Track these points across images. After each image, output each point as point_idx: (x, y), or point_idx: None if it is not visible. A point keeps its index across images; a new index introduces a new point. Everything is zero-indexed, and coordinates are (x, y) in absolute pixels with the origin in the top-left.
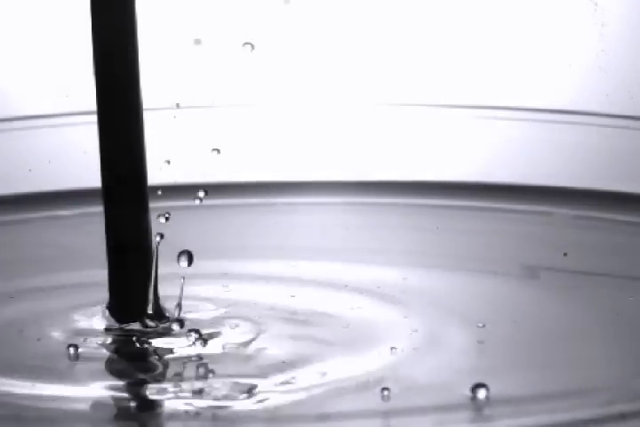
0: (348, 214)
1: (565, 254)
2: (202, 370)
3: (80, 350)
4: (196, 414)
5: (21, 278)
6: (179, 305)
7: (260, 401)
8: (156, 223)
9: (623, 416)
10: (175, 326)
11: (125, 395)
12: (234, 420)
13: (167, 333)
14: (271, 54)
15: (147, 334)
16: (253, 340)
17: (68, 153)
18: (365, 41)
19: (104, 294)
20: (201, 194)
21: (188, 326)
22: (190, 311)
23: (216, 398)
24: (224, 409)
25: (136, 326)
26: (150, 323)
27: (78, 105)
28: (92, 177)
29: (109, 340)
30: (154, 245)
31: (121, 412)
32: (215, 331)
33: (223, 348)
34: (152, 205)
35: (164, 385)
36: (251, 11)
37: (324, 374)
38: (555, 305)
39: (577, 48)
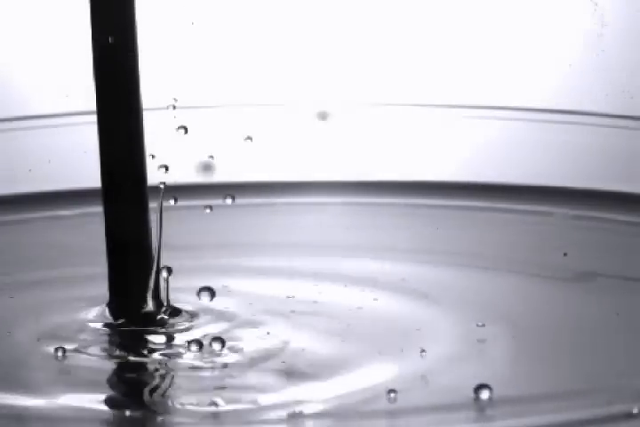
0: (348, 214)
1: (565, 254)
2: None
3: (80, 349)
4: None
5: (21, 278)
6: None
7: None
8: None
9: (630, 415)
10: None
11: (125, 395)
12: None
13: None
14: (271, 54)
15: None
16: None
17: (68, 153)
18: (365, 41)
19: (104, 294)
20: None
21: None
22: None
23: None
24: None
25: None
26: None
27: (78, 105)
28: (91, 177)
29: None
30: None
31: (121, 412)
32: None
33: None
34: (152, 205)
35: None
36: (251, 11)
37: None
38: (554, 305)
39: (577, 48)
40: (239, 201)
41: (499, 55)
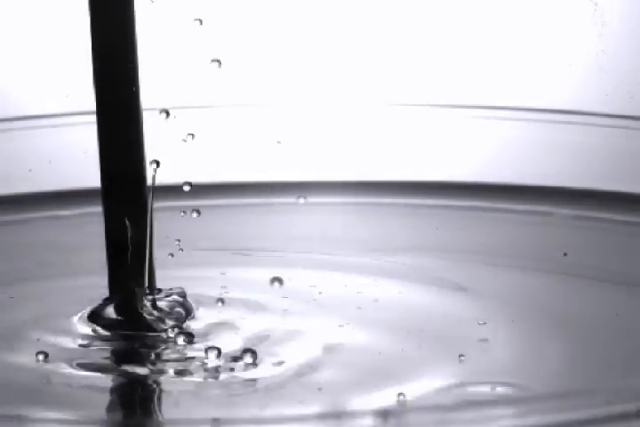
0: (348, 214)
1: (565, 254)
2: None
3: (80, 349)
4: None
5: (21, 278)
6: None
7: None
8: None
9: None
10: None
11: (126, 395)
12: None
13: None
14: (271, 54)
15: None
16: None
17: (68, 153)
18: (365, 41)
19: (104, 294)
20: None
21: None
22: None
23: None
24: None
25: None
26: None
27: (78, 105)
28: (91, 177)
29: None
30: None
31: (123, 412)
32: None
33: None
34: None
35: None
36: (250, 10)
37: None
38: (554, 305)
39: (577, 48)
40: (239, 201)
41: (499, 55)
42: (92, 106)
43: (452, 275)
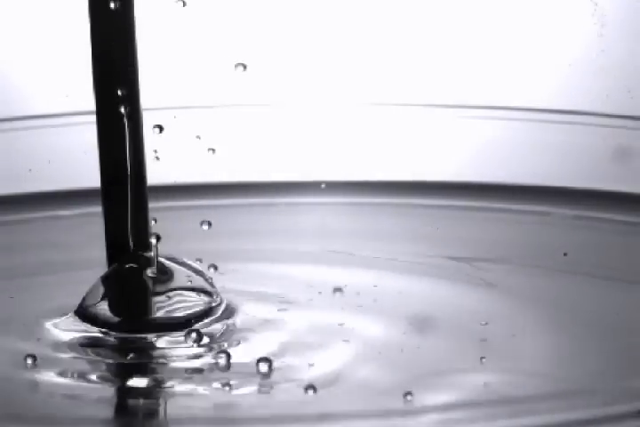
0: (348, 214)
1: (565, 254)
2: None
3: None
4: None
5: (21, 278)
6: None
7: None
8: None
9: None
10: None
11: (126, 395)
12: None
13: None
14: (271, 54)
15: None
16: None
17: (68, 153)
18: (365, 41)
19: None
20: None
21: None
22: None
23: None
24: None
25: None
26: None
27: (78, 105)
28: (91, 177)
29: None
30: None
31: (123, 412)
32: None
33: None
34: (152, 205)
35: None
36: (250, 11)
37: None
38: (553, 305)
39: (577, 48)
40: (239, 201)
41: (499, 55)
42: (92, 106)
43: (452, 275)
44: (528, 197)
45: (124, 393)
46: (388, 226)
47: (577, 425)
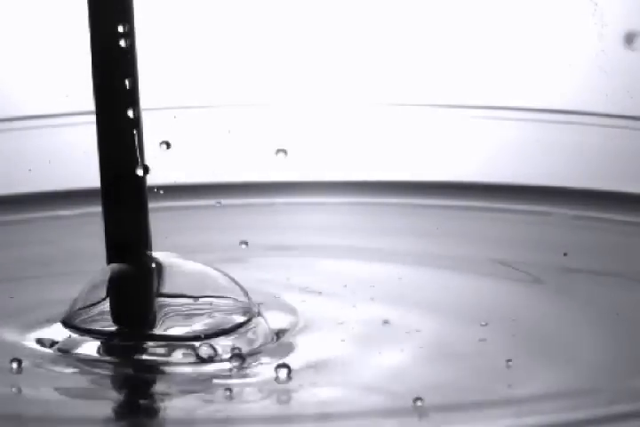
0: (348, 214)
1: (565, 254)
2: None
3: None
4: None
5: (21, 278)
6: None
7: None
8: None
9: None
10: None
11: (126, 395)
12: None
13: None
14: (271, 54)
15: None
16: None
17: (68, 153)
18: (366, 41)
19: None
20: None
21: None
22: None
23: None
24: None
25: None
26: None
27: (78, 105)
28: (91, 177)
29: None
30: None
31: (123, 410)
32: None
33: None
34: (151, 205)
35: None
36: (250, 11)
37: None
38: (554, 305)
39: (577, 48)
40: (239, 201)
41: (499, 55)
42: (92, 106)
43: (451, 274)
44: (528, 197)
45: (125, 393)
46: (388, 225)
47: (577, 425)
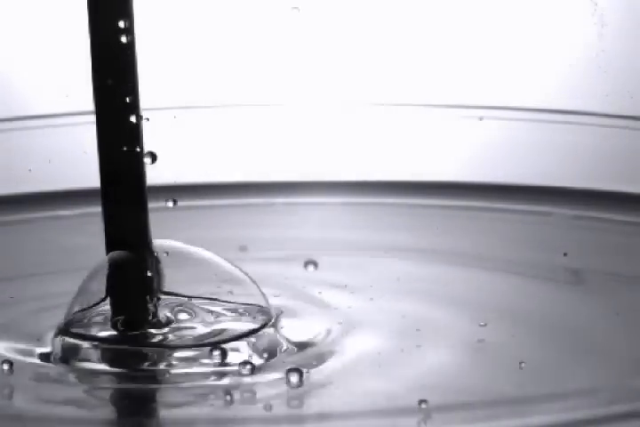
0: (348, 214)
1: (565, 254)
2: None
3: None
4: None
5: (21, 278)
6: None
7: None
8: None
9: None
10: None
11: (127, 395)
12: None
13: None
14: (271, 54)
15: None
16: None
17: (68, 153)
18: (366, 41)
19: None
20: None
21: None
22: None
23: None
24: None
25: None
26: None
27: (78, 105)
28: (92, 177)
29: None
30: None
31: (123, 412)
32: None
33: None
34: (151, 205)
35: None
36: (250, 11)
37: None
38: (554, 305)
39: (577, 48)
40: (239, 201)
41: (499, 55)
42: (92, 106)
43: (451, 275)
44: (528, 197)
45: (125, 394)
46: (387, 225)
47: (577, 425)
